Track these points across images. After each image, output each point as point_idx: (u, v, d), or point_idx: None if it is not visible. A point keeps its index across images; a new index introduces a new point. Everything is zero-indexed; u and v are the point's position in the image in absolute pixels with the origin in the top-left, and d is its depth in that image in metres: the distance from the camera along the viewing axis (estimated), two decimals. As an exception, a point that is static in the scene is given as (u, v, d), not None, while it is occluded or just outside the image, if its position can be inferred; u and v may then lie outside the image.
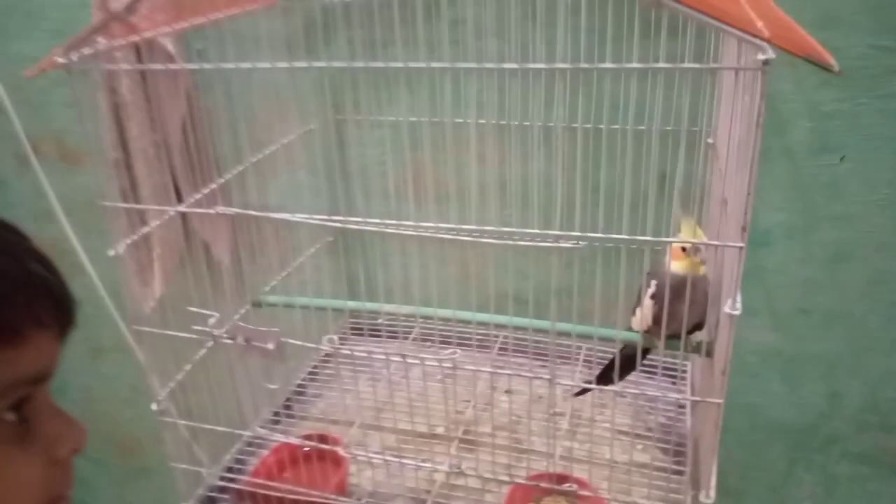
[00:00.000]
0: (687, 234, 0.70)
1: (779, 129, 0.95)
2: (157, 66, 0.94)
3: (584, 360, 1.04)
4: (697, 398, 0.63)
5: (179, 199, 1.02)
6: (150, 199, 1.10)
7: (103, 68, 0.80)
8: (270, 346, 0.69)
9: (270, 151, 1.00)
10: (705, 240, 0.72)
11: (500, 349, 1.04)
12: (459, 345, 0.99)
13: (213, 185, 0.89)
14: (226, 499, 0.89)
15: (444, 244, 1.10)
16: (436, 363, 0.66)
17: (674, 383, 1.05)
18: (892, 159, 0.92)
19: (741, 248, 0.54)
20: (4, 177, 1.42)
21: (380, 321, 1.13)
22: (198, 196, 0.87)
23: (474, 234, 0.60)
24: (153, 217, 0.90)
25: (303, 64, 0.74)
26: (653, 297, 0.72)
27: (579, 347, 1.05)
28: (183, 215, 1.12)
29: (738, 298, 0.57)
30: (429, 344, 1.09)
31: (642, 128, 0.95)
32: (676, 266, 0.70)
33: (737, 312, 0.56)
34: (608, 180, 0.92)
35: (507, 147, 1.01)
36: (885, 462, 1.10)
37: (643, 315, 0.73)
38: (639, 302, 0.77)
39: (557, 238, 0.57)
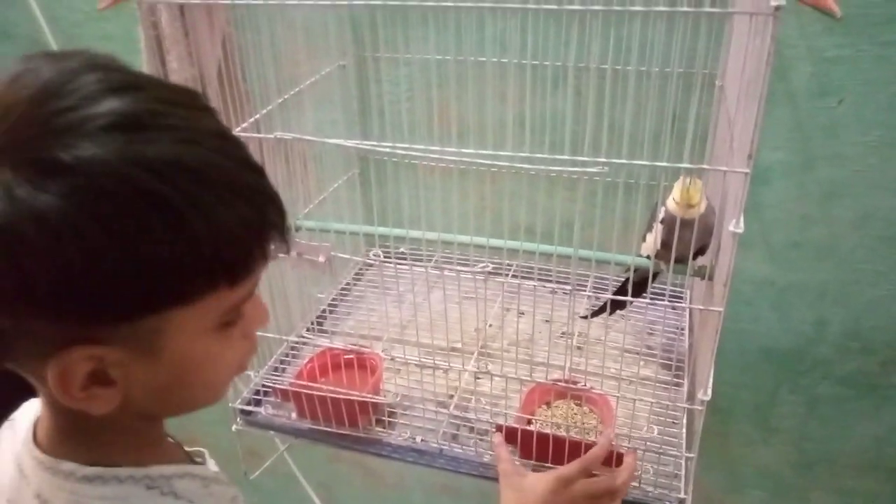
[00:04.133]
0: (681, 193, 0.79)
1: (782, 73, 1.01)
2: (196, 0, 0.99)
3: (594, 288, 1.13)
4: (701, 307, 0.72)
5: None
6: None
7: (152, 2, 0.85)
8: (321, 258, 0.77)
9: (305, 85, 1.06)
10: (699, 196, 0.80)
11: (513, 276, 1.13)
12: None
13: (257, 116, 0.96)
14: (270, 400, 0.99)
15: (464, 177, 1.18)
16: (470, 275, 0.75)
17: (674, 308, 1.14)
18: (887, 103, 0.99)
19: (746, 173, 0.62)
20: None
21: (402, 249, 1.22)
22: (244, 125, 0.94)
23: (508, 161, 0.68)
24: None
25: (327, 2, 0.80)
26: (662, 221, 0.80)
27: (587, 276, 1.14)
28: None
29: (742, 220, 0.65)
30: (447, 270, 1.18)
31: (655, 69, 1.02)
32: (672, 207, 0.79)
33: (740, 231, 0.64)
34: (622, 120, 0.99)
35: (528, 86, 1.07)
36: (863, 384, 1.21)
37: (653, 238, 0.82)
38: (649, 228, 0.85)
39: (584, 164, 0.65)
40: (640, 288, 0.96)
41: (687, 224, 0.76)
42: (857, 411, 1.24)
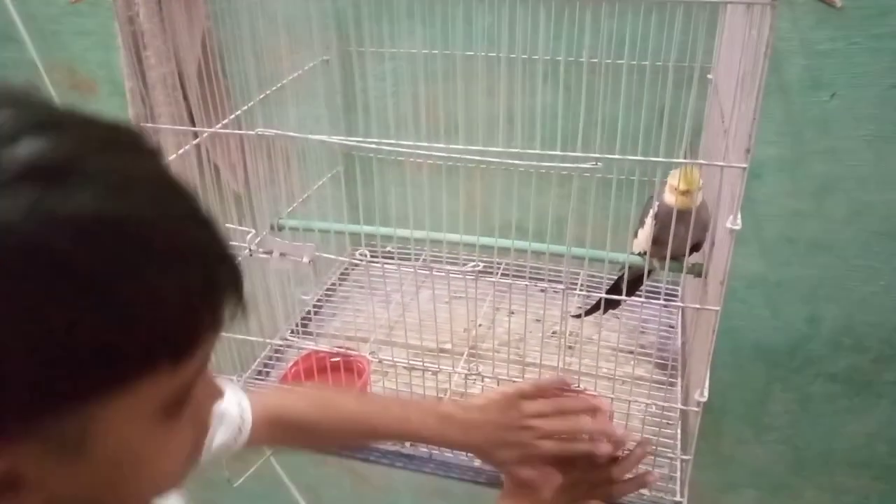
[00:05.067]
0: (682, 177, 0.76)
1: (775, 66, 1.00)
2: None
3: (587, 286, 1.11)
4: (698, 305, 0.70)
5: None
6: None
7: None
8: (305, 259, 0.75)
9: (287, 81, 1.04)
10: (700, 183, 0.78)
11: (503, 274, 1.11)
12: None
13: (238, 112, 0.93)
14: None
15: (452, 174, 1.15)
16: (460, 275, 0.72)
17: (665, 305, 1.12)
18: (880, 97, 0.98)
19: (744, 168, 0.60)
20: (15, 104, 1.43)
21: (388, 248, 1.19)
22: (224, 121, 0.91)
23: (498, 157, 0.65)
24: (175, 142, 0.94)
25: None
26: (656, 216, 0.78)
27: (577, 273, 1.12)
28: (196, 144, 1.16)
29: (739, 216, 0.63)
30: (436, 269, 1.15)
31: (645, 63, 1.00)
32: (669, 199, 0.76)
33: (737, 227, 0.62)
34: (613, 114, 0.97)
35: (515, 80, 1.05)
36: (856, 381, 1.20)
37: (645, 235, 0.80)
38: (641, 224, 0.83)
39: (576, 160, 0.62)
40: (633, 286, 0.94)
41: (683, 217, 0.73)
42: (850, 408, 1.23)
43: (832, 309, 1.15)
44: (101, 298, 0.31)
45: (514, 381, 0.77)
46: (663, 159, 0.63)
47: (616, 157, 0.63)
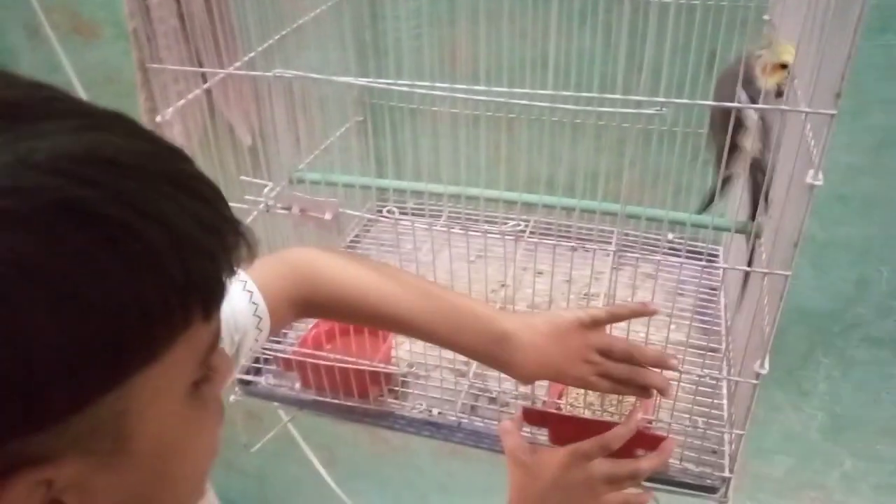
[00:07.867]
0: (783, 50, 0.67)
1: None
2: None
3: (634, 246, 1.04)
4: (766, 270, 0.63)
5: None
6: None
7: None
8: (328, 216, 0.68)
9: (304, 21, 0.95)
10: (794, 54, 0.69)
11: (538, 232, 1.04)
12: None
13: (252, 54, 0.85)
14: (272, 368, 0.91)
15: (479, 125, 1.08)
16: (499, 236, 0.66)
17: (704, 267, 1.05)
18: (955, 39, 0.89)
19: (833, 115, 0.53)
20: (15, 50, 1.35)
21: (414, 203, 1.12)
22: (237, 63, 0.83)
23: (550, 102, 0.58)
24: (183, 87, 0.87)
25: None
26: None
27: (611, 231, 1.05)
28: (207, 93, 1.08)
29: (820, 171, 0.56)
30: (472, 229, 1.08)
31: (696, 2, 0.91)
32: (769, 82, 0.67)
33: (819, 183, 0.55)
34: (657, 58, 0.89)
35: (549, 21, 0.97)
36: (903, 346, 1.14)
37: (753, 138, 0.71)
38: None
39: (639, 104, 0.55)
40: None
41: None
42: (894, 374, 1.17)
43: (883, 271, 1.08)
44: (120, 241, 0.27)
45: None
46: (740, 105, 0.56)
47: (684, 101, 0.56)
